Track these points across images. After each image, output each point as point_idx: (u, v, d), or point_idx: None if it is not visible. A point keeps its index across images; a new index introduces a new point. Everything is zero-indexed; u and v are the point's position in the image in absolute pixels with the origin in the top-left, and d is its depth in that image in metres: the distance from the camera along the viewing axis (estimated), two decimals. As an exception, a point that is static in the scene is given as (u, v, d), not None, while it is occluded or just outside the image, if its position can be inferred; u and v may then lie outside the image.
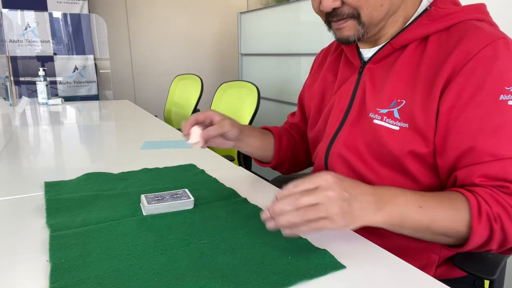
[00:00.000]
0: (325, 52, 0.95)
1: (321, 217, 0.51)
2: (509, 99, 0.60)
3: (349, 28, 0.70)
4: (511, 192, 0.59)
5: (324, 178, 0.54)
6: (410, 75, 0.69)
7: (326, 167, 0.80)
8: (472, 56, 0.61)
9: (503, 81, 0.60)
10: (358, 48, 0.80)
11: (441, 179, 0.68)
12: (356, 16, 0.68)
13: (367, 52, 0.78)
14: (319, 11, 0.72)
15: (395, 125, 0.68)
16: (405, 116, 0.67)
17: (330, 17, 0.71)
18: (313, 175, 0.55)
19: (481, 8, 0.69)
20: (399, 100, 0.69)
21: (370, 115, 0.72)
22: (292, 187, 0.54)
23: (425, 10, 0.70)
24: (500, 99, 0.60)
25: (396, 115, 0.68)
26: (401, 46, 0.71)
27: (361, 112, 0.75)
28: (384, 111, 0.70)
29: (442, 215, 0.58)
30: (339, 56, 0.88)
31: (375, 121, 0.71)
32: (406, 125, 0.67)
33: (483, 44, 0.62)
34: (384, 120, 0.70)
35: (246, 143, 0.88)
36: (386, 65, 0.73)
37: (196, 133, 0.76)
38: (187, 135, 0.77)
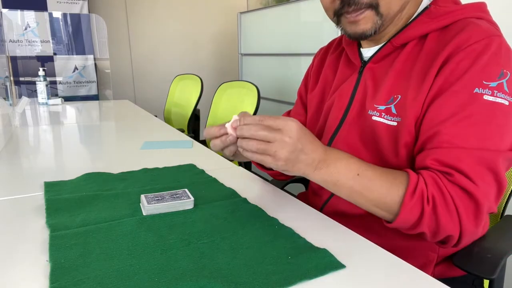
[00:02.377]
0: (325, 51, 0.95)
1: (267, 153, 0.57)
2: (485, 94, 0.59)
3: (366, 21, 0.67)
4: (454, 180, 0.58)
5: (289, 125, 0.57)
6: (407, 71, 0.69)
7: None
8: (463, 49, 0.62)
9: (483, 75, 0.60)
10: (359, 47, 0.80)
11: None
12: (374, 5, 0.66)
13: (367, 51, 0.78)
14: (331, 2, 0.70)
15: (393, 120, 0.69)
16: (400, 110, 0.68)
17: (345, 7, 0.67)
18: (282, 117, 0.58)
19: (481, 6, 0.69)
20: (395, 96, 0.69)
21: (369, 112, 0.73)
22: (259, 119, 0.58)
23: (426, 9, 0.70)
24: (475, 91, 0.60)
25: (394, 110, 0.69)
26: (401, 45, 0.71)
27: (361, 110, 0.75)
28: (382, 107, 0.71)
29: (377, 186, 0.61)
30: (340, 55, 0.87)
31: (374, 118, 0.72)
32: (399, 119, 0.68)
33: (477, 38, 0.62)
34: (382, 116, 0.70)
35: None
36: (386, 64, 0.74)
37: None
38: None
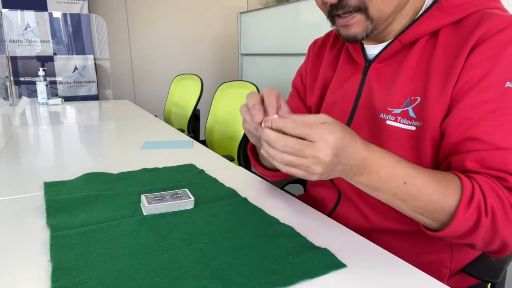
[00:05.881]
0: (321, 44, 0.89)
1: (299, 168, 0.51)
2: None
3: (357, 25, 0.65)
4: (509, 185, 0.55)
5: (325, 139, 0.49)
6: (422, 70, 0.65)
7: None
8: (485, 39, 0.58)
9: None
10: (362, 44, 0.75)
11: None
12: (362, 9, 0.63)
13: (373, 49, 0.73)
14: (323, 4, 0.68)
15: (411, 125, 0.65)
16: (420, 114, 0.64)
17: (335, 10, 0.65)
18: (319, 126, 0.50)
19: None
20: (413, 98, 0.65)
21: (382, 116, 0.68)
22: (291, 125, 0.50)
23: (435, 2, 0.66)
24: (507, 86, 0.56)
25: (412, 113, 0.65)
26: (410, 42, 0.67)
27: (369, 114, 0.71)
28: (398, 110, 0.66)
29: (426, 195, 0.54)
30: (339, 51, 0.82)
31: (388, 122, 0.67)
32: (419, 123, 0.64)
33: (498, 28, 0.58)
34: (398, 120, 0.66)
35: None
36: (395, 63, 0.69)
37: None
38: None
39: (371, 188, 0.56)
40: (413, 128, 0.64)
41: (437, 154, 0.63)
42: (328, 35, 0.89)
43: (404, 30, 0.67)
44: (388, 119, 0.67)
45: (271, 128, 0.52)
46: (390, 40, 0.70)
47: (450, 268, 0.70)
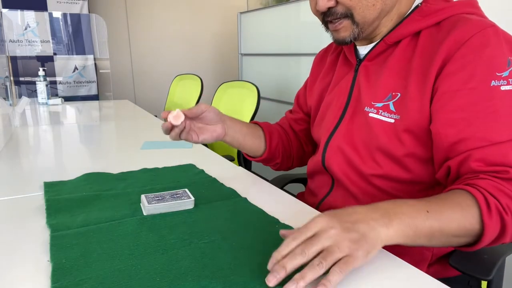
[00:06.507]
0: (324, 52, 0.97)
1: (338, 257, 0.47)
2: (501, 85, 0.61)
3: (345, 29, 0.73)
4: (510, 176, 0.57)
5: (317, 222, 0.50)
6: (404, 68, 0.70)
7: (322, 161, 0.82)
8: (461, 44, 0.63)
9: (493, 67, 0.61)
10: (355, 45, 0.82)
11: (434, 169, 0.68)
12: (349, 15, 0.70)
13: (363, 49, 0.80)
14: (316, 12, 0.75)
15: (390, 117, 0.70)
16: (399, 108, 0.69)
17: (325, 17, 0.73)
18: (306, 224, 0.51)
19: (472, 2, 0.71)
20: (394, 93, 0.71)
21: (366, 109, 0.74)
22: (292, 240, 0.49)
23: (417, 7, 0.72)
24: (492, 85, 0.61)
25: (392, 108, 0.70)
26: (394, 42, 0.73)
27: (357, 107, 0.77)
28: (380, 104, 0.72)
29: (451, 216, 0.54)
30: (338, 55, 0.90)
31: (371, 115, 0.73)
32: (398, 116, 0.69)
33: (472, 32, 0.63)
34: (379, 113, 0.72)
35: (234, 130, 0.87)
36: (380, 61, 0.75)
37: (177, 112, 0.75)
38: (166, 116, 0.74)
39: (411, 230, 0.52)
40: (392, 120, 0.70)
41: (418, 144, 0.68)
42: (331, 43, 0.96)
43: (390, 31, 0.74)
44: (371, 112, 0.73)
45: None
46: (377, 41, 0.76)
47: (433, 252, 0.73)
